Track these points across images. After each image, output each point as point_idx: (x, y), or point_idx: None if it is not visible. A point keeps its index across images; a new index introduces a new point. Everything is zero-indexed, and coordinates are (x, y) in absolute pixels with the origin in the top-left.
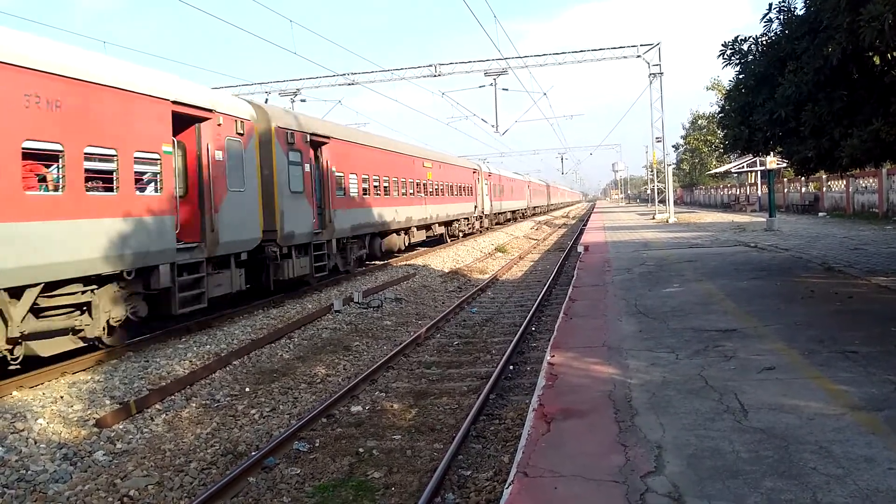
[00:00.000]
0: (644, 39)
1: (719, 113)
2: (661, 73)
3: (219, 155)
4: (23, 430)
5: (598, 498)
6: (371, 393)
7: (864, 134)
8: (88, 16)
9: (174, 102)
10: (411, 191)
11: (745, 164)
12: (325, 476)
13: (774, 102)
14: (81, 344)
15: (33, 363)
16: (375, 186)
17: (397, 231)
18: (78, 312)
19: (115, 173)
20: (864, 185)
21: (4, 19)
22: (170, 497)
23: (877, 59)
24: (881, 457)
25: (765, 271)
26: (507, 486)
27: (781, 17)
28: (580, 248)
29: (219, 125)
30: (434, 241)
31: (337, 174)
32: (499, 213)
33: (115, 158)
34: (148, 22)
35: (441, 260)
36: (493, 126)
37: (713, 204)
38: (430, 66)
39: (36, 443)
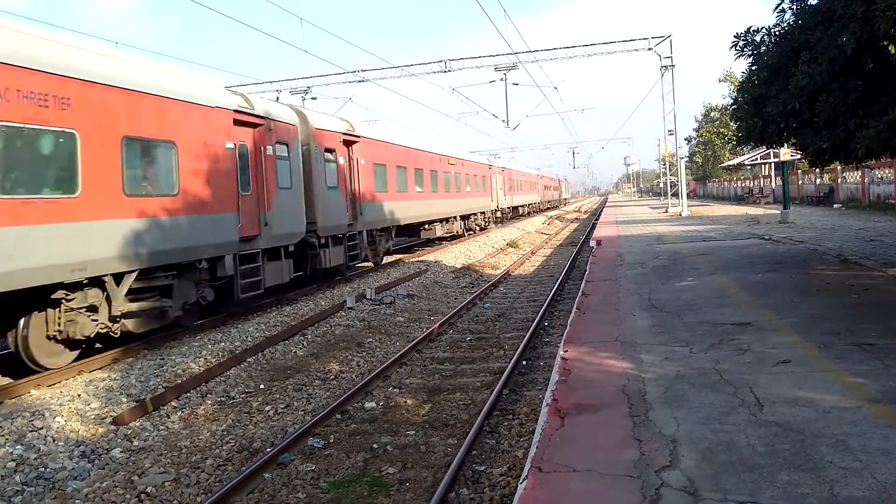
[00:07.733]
0: (655, 32)
1: (732, 105)
2: (673, 66)
3: None
4: (41, 429)
5: (613, 492)
6: (385, 389)
7: (880, 124)
8: (100, 16)
9: None
10: None
11: (758, 156)
12: (339, 472)
13: (788, 93)
14: None
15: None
16: None
17: None
18: None
19: None
20: (880, 175)
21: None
22: (186, 493)
23: (892, 49)
24: None
25: (779, 264)
26: (521, 481)
27: (794, 6)
28: (592, 243)
29: None
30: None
31: None
32: (429, 224)
33: None
34: (159, 21)
35: (453, 256)
36: (503, 121)
37: (727, 196)
38: (441, 61)
39: (54, 441)
